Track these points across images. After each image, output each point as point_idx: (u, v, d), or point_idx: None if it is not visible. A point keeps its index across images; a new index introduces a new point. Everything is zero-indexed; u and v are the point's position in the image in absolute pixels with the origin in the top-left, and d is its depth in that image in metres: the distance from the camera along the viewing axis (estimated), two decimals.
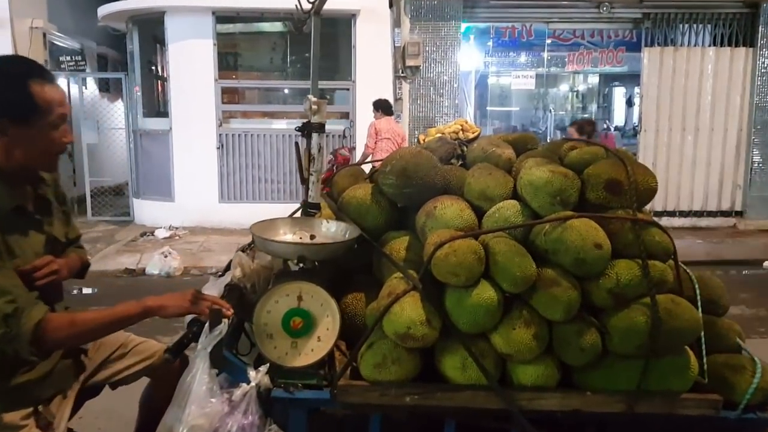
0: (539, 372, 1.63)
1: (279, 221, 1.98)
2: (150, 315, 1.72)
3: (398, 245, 1.93)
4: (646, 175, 1.78)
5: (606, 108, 19.92)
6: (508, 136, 2.23)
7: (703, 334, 1.77)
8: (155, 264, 7.04)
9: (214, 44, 8.83)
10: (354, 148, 8.91)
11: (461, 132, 2.36)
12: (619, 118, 18.62)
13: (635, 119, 11.14)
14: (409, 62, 9.12)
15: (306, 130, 1.99)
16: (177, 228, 8.76)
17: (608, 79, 18.70)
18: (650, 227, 1.69)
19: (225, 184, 9.05)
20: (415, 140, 5.63)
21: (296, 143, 2.06)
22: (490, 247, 1.66)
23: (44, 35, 9.79)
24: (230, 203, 9.03)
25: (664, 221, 9.75)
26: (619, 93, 18.61)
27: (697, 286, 1.85)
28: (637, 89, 10.60)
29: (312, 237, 1.96)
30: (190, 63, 8.85)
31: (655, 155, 9.56)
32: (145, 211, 9.44)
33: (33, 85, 1.65)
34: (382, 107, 8.02)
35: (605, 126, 17.66)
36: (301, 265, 1.77)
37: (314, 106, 1.95)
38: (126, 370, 2.07)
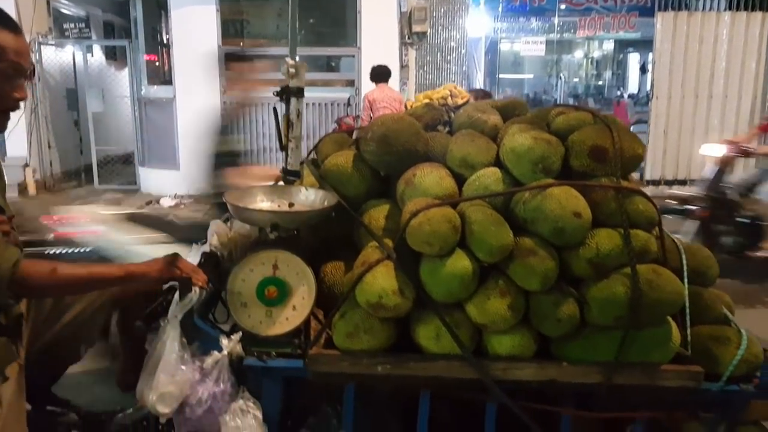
0: (515, 342, 1.59)
1: (257, 189, 1.94)
2: (132, 280, 1.70)
3: (377, 214, 1.89)
4: (633, 142, 1.72)
5: (620, 75, 19.64)
6: (496, 102, 2.17)
7: (687, 305, 1.73)
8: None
9: (217, 10, 8.70)
10: (359, 116, 8.81)
11: (450, 98, 2.29)
12: (633, 85, 18.36)
13: (649, 86, 10.95)
14: (416, 28, 8.96)
15: (284, 94, 1.93)
16: (182, 197, 8.77)
17: (623, 46, 18.40)
18: (634, 196, 1.64)
19: None
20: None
21: (275, 108, 2.01)
22: (467, 216, 1.61)
23: (48, 2, 9.70)
24: None
25: (675, 190, 9.63)
26: (633, 59, 18.31)
27: (684, 256, 1.79)
28: (651, 56, 10.38)
29: (291, 205, 1.92)
30: (193, 30, 8.75)
31: (667, 123, 9.39)
32: (151, 179, 9.45)
33: None
34: (374, 74, 7.64)
35: (618, 93, 17.43)
36: (275, 233, 1.74)
37: (292, 70, 1.89)
38: (82, 313, 1.96)
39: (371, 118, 7.24)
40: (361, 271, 1.61)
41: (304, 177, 2.12)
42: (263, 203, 1.89)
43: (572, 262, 1.61)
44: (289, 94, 1.93)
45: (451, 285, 1.56)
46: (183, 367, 1.61)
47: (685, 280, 1.75)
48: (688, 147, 9.45)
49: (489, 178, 1.74)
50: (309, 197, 1.94)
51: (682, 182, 9.62)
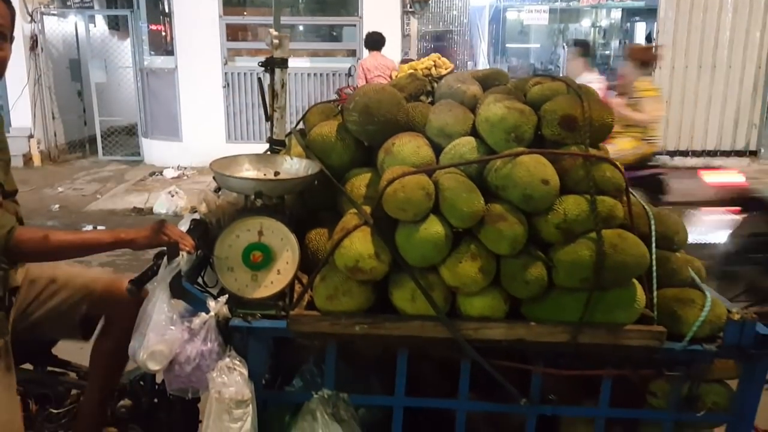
0: (485, 304, 1.67)
1: (243, 157, 2.02)
2: (121, 246, 1.76)
3: (359, 182, 1.96)
4: (603, 111, 1.77)
5: (626, 44, 19.37)
6: (477, 72, 2.22)
7: (655, 268, 1.80)
8: (162, 203, 7.17)
9: None
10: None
11: (434, 68, 2.34)
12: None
13: None
14: None
15: (269, 65, 1.99)
16: (185, 168, 8.86)
17: (629, 14, 18.13)
18: (602, 163, 1.70)
19: (232, 124, 9.07)
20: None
21: (259, 79, 2.06)
22: (440, 184, 1.68)
23: None
24: (237, 143, 9.06)
25: (677, 161, 9.63)
26: (640, 29, 18.06)
27: (653, 222, 1.86)
28: (656, 25, 10.27)
29: (276, 174, 1.99)
30: None
31: (670, 93, 9.35)
32: (154, 150, 9.53)
33: None
34: (368, 42, 7.68)
35: (624, 63, 17.25)
36: (260, 201, 1.81)
37: (275, 41, 1.95)
38: (62, 304, 2.03)
39: (367, 83, 7.30)
40: (340, 237, 1.69)
41: (292, 146, 2.19)
42: (248, 172, 1.96)
43: (541, 228, 1.68)
44: (273, 64, 1.99)
45: (424, 249, 1.63)
46: (172, 327, 1.70)
47: (653, 244, 1.82)
48: (690, 117, 9.44)
49: (464, 147, 1.80)
50: (294, 166, 2.01)
51: (684, 153, 9.63)
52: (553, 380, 1.82)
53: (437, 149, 1.89)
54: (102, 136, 9.92)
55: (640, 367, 1.79)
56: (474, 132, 1.87)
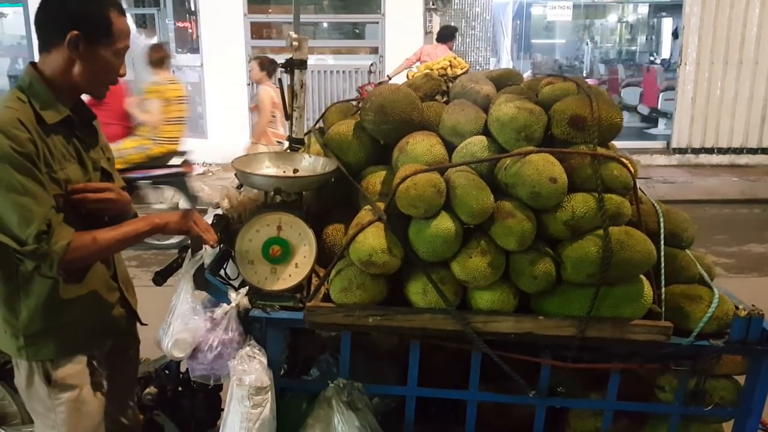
0: (495, 297, 1.73)
1: (264, 155, 2.09)
2: (157, 231, 1.81)
3: (375, 179, 2.02)
4: (611, 111, 1.82)
5: (653, 40, 19.16)
6: (492, 72, 2.27)
7: (663, 265, 1.84)
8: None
9: None
10: (381, 83, 8.88)
11: (449, 68, 2.40)
12: (666, 50, 17.92)
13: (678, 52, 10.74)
14: None
15: (288, 66, 2.06)
16: (210, 164, 9.01)
17: (657, 10, 17.92)
18: (610, 162, 1.74)
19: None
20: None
21: (279, 80, 2.14)
22: (451, 181, 1.74)
23: None
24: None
25: (701, 158, 9.53)
26: (667, 24, 17.84)
27: (662, 219, 1.90)
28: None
29: (295, 171, 2.07)
30: None
31: (695, 90, 9.26)
32: None
33: (112, 11, 1.72)
34: (440, 34, 8.11)
35: (651, 59, 17.06)
36: (279, 197, 1.89)
37: (295, 43, 2.02)
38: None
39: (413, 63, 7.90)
40: (355, 232, 1.76)
41: (312, 145, 2.26)
42: (268, 169, 2.04)
43: (550, 224, 1.73)
44: (293, 66, 2.06)
45: (435, 244, 1.70)
46: (195, 317, 1.79)
47: (662, 241, 1.86)
48: (715, 114, 9.32)
49: (476, 145, 1.86)
50: (312, 164, 2.08)
51: (710, 150, 9.52)
52: (562, 372, 1.87)
53: (450, 148, 1.95)
54: None
55: (647, 361, 1.84)
56: (486, 131, 1.93)
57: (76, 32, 1.68)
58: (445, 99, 2.25)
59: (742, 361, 1.85)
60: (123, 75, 1.81)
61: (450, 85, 2.29)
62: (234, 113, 9.13)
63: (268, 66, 6.40)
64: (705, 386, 1.85)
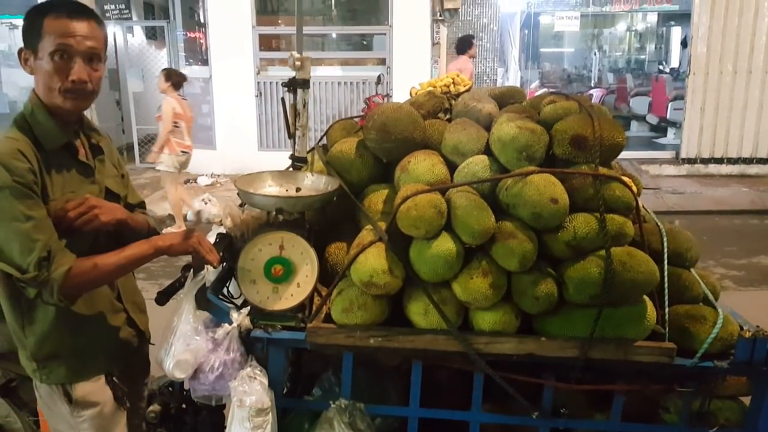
0: (497, 318, 1.72)
1: (267, 174, 2.10)
2: (161, 254, 1.78)
3: (377, 198, 2.03)
4: (613, 130, 1.81)
5: (661, 49, 19.13)
6: (494, 90, 2.27)
7: (666, 285, 1.83)
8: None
9: None
10: (389, 96, 8.91)
11: (452, 85, 2.40)
12: (675, 59, 17.88)
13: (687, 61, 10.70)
14: (447, 4, 8.99)
15: (291, 85, 2.07)
16: (218, 175, 9.05)
17: (665, 19, 17.89)
18: (611, 182, 1.74)
19: (264, 132, 9.23)
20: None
21: (282, 99, 2.15)
22: (452, 201, 1.74)
23: None
24: (269, 151, 9.24)
25: (711, 168, 9.48)
26: (676, 33, 17.81)
27: (665, 239, 1.88)
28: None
29: (298, 190, 2.07)
30: (228, 9, 8.94)
31: (704, 99, 9.22)
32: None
33: (49, 16, 1.64)
34: (458, 47, 8.58)
35: (660, 68, 17.02)
36: (281, 216, 1.90)
37: (297, 63, 2.03)
38: None
39: None
40: (356, 252, 1.76)
41: (315, 162, 2.26)
42: (271, 188, 2.05)
43: (552, 245, 1.73)
44: (295, 85, 2.07)
45: (436, 265, 1.69)
46: (197, 338, 1.79)
47: (665, 261, 1.84)
48: (725, 124, 9.27)
49: (477, 165, 1.85)
50: (315, 182, 2.09)
51: (719, 160, 9.46)
52: (566, 392, 1.86)
53: (452, 167, 1.95)
54: (139, 144, 10.19)
55: (651, 382, 1.82)
56: (488, 150, 1.93)
57: (21, 47, 1.68)
58: (448, 117, 2.25)
59: (747, 382, 1.83)
60: (76, 79, 1.66)
61: (453, 102, 2.29)
62: (242, 124, 9.18)
63: (174, 78, 6.70)
64: (710, 407, 1.83)
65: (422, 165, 1.90)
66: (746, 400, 1.87)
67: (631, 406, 1.87)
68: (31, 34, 1.67)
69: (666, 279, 1.83)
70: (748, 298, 5.12)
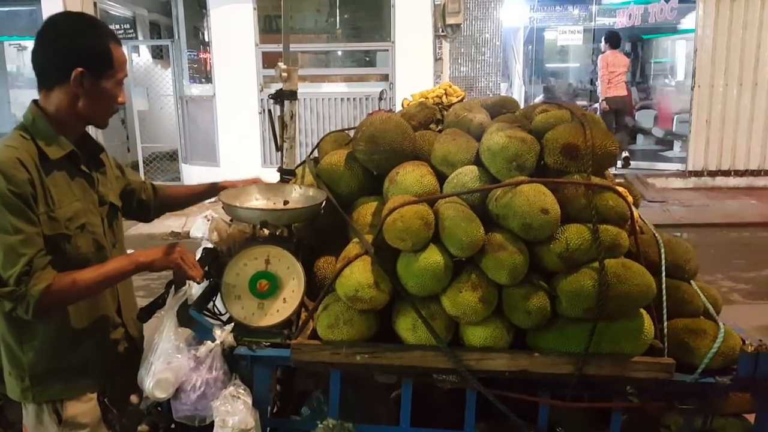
0: (487, 333, 1.66)
1: (254, 187, 2.06)
2: (142, 270, 1.76)
3: (366, 210, 1.98)
4: (605, 139, 1.75)
5: (666, 63, 19.04)
6: (486, 100, 2.22)
7: (665, 298, 1.76)
8: (198, 227, 7.23)
9: (254, 8, 8.89)
10: (391, 111, 8.87)
11: (444, 96, 2.36)
12: (680, 73, 17.81)
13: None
14: (450, 20, 8.95)
15: (279, 97, 2.04)
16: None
17: (669, 32, 17.84)
18: (604, 191, 1.68)
19: (268, 149, 9.20)
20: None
21: (269, 110, 2.11)
22: (440, 213, 1.69)
23: (95, 3, 10.08)
24: (273, 167, 9.17)
25: (718, 181, 9.37)
26: (680, 46, 17.74)
27: (663, 250, 1.82)
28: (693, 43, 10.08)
29: (285, 203, 2.03)
30: (231, 28, 8.97)
31: (710, 112, 9.15)
32: (194, 175, 9.73)
33: (111, 42, 1.74)
34: (610, 40, 9.06)
35: (664, 81, 16.94)
36: (266, 230, 1.85)
37: (284, 74, 2.00)
38: None
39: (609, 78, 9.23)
40: (341, 266, 1.70)
41: (306, 175, 2.22)
42: (257, 201, 2.00)
43: (544, 256, 1.67)
44: (283, 97, 2.04)
45: (423, 278, 1.64)
46: (178, 356, 1.74)
47: (663, 274, 1.78)
48: (731, 136, 9.19)
49: (467, 175, 1.80)
50: (303, 195, 2.04)
51: (727, 173, 9.36)
52: (563, 411, 1.79)
53: (442, 178, 1.90)
54: (144, 162, 10.19)
55: (651, 399, 1.75)
56: (478, 161, 1.88)
57: (80, 69, 1.68)
58: (439, 128, 2.21)
59: (750, 399, 1.76)
60: (123, 103, 1.82)
61: (444, 113, 2.25)
62: (246, 141, 9.18)
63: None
64: (712, 425, 1.76)
65: (411, 176, 1.85)
66: (751, 418, 1.80)
67: (630, 424, 1.80)
68: (103, 61, 1.72)
69: (664, 291, 1.76)
70: (756, 312, 5.01)
